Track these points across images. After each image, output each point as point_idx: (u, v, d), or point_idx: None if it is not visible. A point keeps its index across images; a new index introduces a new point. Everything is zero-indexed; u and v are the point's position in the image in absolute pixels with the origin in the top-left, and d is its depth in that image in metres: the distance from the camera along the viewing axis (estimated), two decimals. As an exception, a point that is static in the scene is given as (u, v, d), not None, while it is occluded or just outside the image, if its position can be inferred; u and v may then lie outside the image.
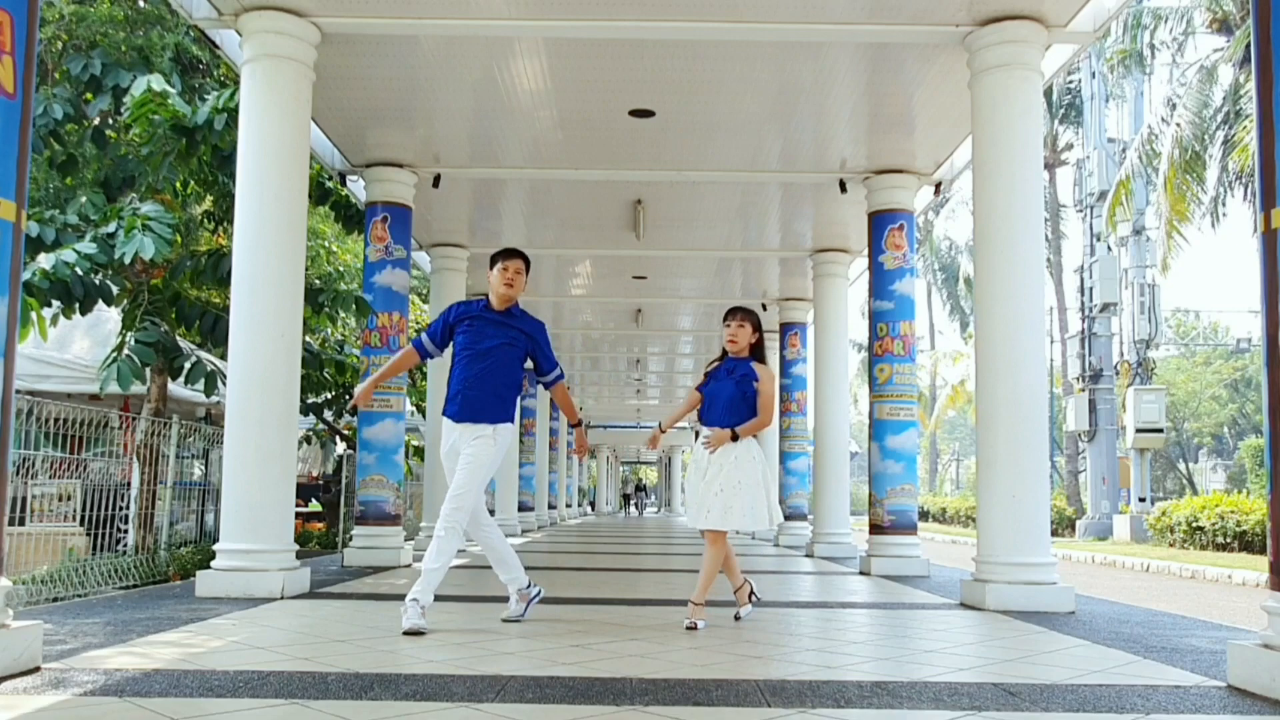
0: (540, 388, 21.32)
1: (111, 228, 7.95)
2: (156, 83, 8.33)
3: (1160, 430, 23.28)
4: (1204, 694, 3.69)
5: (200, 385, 8.88)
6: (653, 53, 7.61)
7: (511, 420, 5.23)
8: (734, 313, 5.52)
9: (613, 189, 10.79)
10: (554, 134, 9.21)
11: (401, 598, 5.44)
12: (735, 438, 5.31)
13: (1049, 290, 29.91)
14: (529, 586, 5.43)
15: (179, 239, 9.39)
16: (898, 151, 9.53)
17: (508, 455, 5.58)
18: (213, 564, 6.61)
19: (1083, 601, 6.70)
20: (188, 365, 8.81)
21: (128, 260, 7.73)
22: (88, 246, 7.77)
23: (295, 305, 6.94)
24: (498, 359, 5.17)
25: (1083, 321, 25.60)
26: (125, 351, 8.10)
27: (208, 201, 10.24)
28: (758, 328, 5.51)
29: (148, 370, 9.07)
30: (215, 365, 9.03)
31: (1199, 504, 18.94)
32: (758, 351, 5.49)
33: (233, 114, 8.27)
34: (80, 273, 8.11)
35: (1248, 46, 18.03)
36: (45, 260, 7.61)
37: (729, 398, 5.37)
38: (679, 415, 5.81)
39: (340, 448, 15.64)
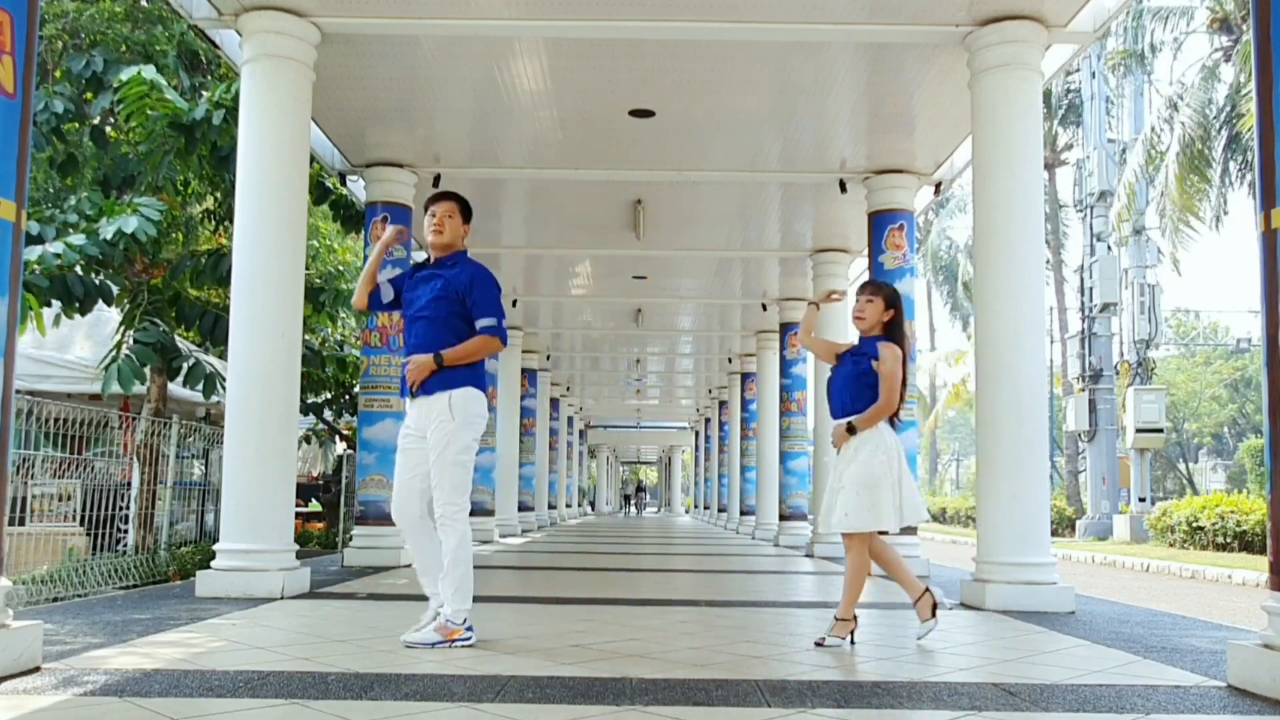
0: (538, 388, 21.54)
1: (103, 222, 7.96)
2: (148, 73, 8.32)
3: (1160, 430, 23.26)
4: (1204, 694, 3.69)
5: (200, 387, 8.88)
6: (653, 53, 7.61)
7: (470, 383, 4.53)
8: (863, 287, 5.00)
9: (613, 189, 10.78)
10: (554, 134, 9.21)
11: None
12: (852, 430, 4.75)
13: (1049, 290, 29.90)
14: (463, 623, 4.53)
15: (179, 237, 9.40)
16: (898, 151, 9.53)
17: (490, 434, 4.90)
18: (213, 564, 6.61)
19: (1083, 601, 6.70)
20: (186, 366, 8.81)
21: (109, 237, 7.67)
22: (78, 238, 7.76)
23: (295, 305, 6.94)
24: (431, 317, 4.56)
25: (1083, 321, 25.58)
26: (124, 352, 8.10)
27: (209, 201, 10.25)
28: (892, 303, 4.89)
29: (148, 370, 9.07)
30: (214, 366, 9.03)
31: (1199, 504, 18.94)
32: (893, 331, 4.86)
33: (231, 110, 8.27)
34: (79, 271, 8.11)
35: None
36: (32, 252, 7.58)
37: (844, 382, 4.87)
38: (812, 332, 5.19)
39: (340, 448, 15.65)
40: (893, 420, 4.84)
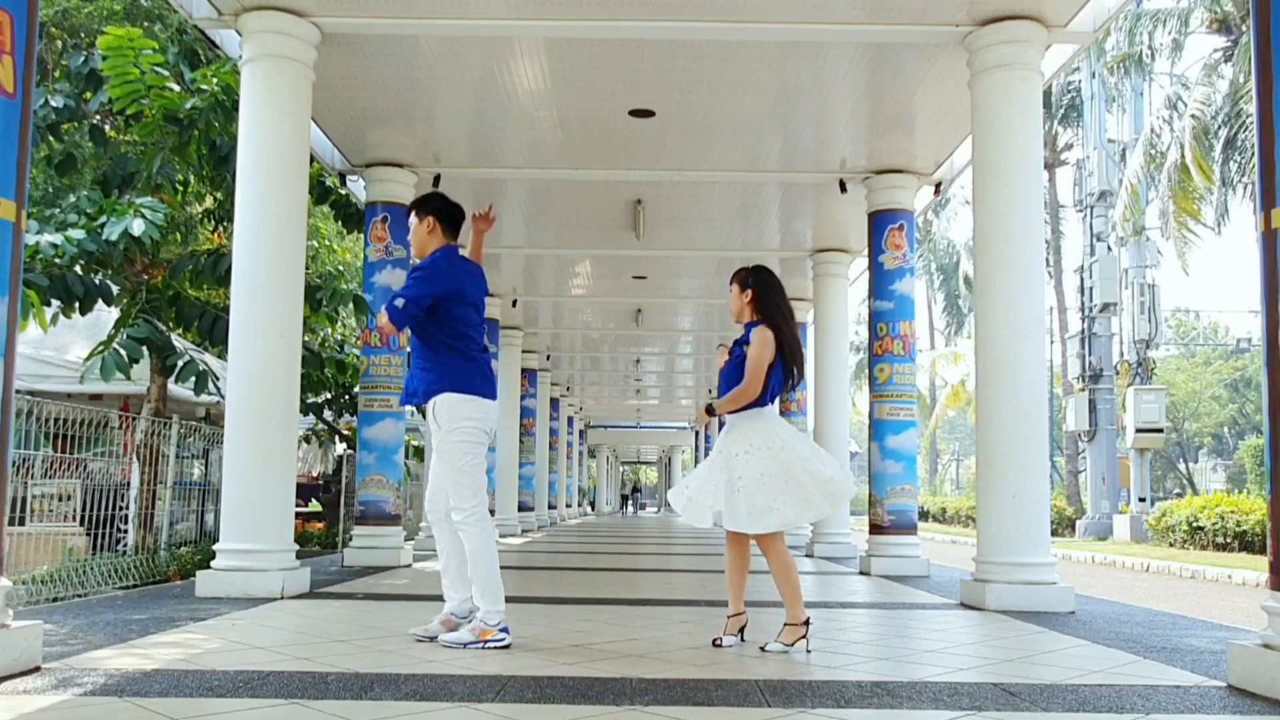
0: (538, 388, 21.54)
1: (103, 220, 7.94)
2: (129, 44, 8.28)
3: (1160, 430, 23.27)
4: (1204, 694, 3.69)
5: (192, 384, 8.86)
6: (653, 53, 7.61)
7: (448, 388, 4.54)
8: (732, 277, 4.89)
9: (613, 189, 10.78)
10: (554, 134, 9.21)
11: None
12: (711, 411, 4.69)
13: (1049, 290, 29.88)
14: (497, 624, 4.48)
15: (179, 237, 9.38)
16: (898, 151, 9.53)
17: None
18: (213, 564, 6.61)
19: (1083, 601, 6.70)
20: (181, 363, 8.80)
21: (114, 237, 7.65)
22: (77, 232, 7.74)
23: (295, 305, 6.94)
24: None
25: (1083, 321, 25.59)
26: (114, 346, 8.07)
27: (209, 200, 10.25)
28: (749, 285, 4.74)
29: (147, 370, 9.06)
30: (207, 365, 9.02)
31: (1199, 504, 18.93)
32: (761, 310, 4.67)
33: (221, 102, 8.24)
34: (79, 271, 8.10)
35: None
36: (28, 239, 7.55)
37: (729, 371, 4.72)
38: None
39: (340, 448, 15.65)
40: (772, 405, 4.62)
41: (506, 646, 4.41)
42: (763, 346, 4.58)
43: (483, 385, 4.61)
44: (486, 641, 4.42)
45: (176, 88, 8.48)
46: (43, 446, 7.56)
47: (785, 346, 4.63)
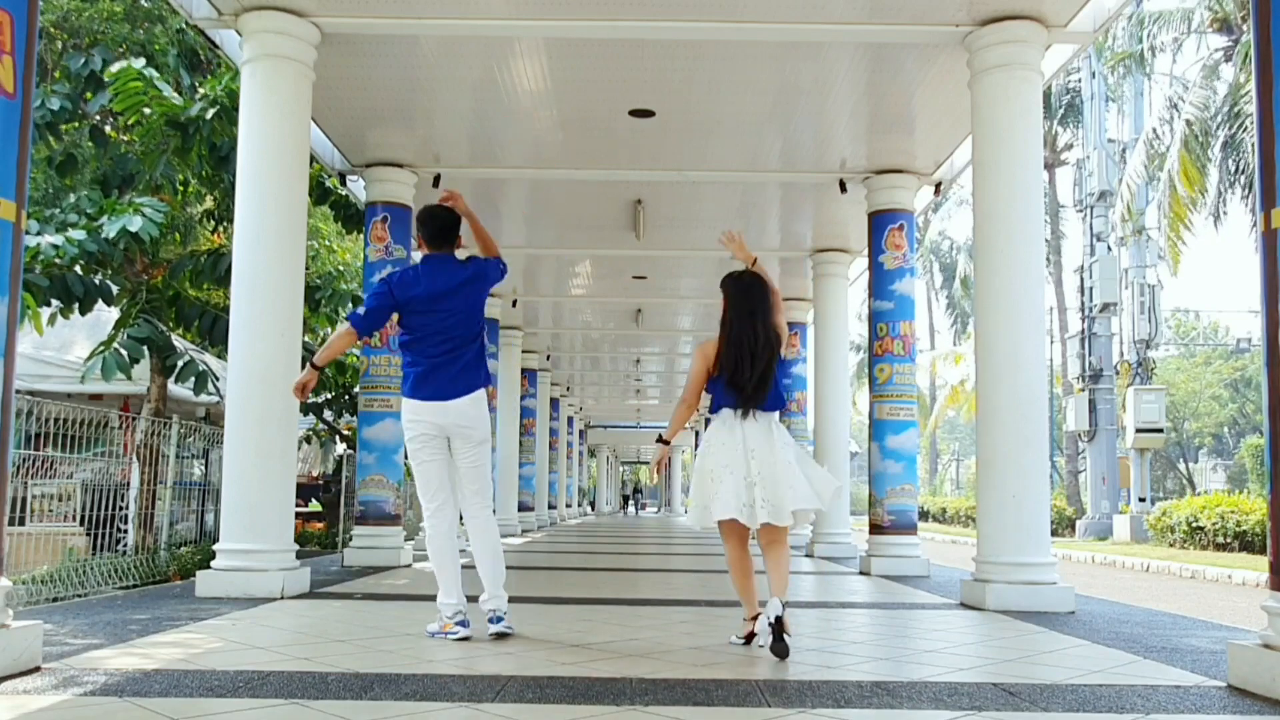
0: (538, 388, 21.55)
1: (103, 220, 7.95)
2: (137, 64, 8.32)
3: (1160, 430, 23.27)
4: (1204, 694, 3.69)
5: (192, 384, 8.87)
6: (653, 53, 7.61)
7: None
8: None
9: (613, 189, 10.78)
10: (554, 134, 9.21)
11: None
12: (663, 441, 5.11)
13: (1049, 290, 29.87)
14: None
15: (179, 237, 9.39)
16: (898, 151, 9.53)
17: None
18: (213, 564, 6.61)
19: (1083, 601, 6.70)
20: (180, 363, 8.80)
21: (112, 235, 7.66)
22: (77, 233, 7.75)
23: (295, 305, 6.94)
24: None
25: (1083, 321, 25.59)
26: (115, 345, 8.08)
27: (209, 201, 10.25)
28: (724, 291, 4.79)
29: (147, 370, 9.07)
30: (207, 365, 9.03)
31: (1199, 504, 18.92)
32: (722, 319, 4.72)
33: (225, 107, 8.26)
34: (79, 271, 8.10)
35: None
36: (29, 241, 7.56)
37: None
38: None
39: (340, 448, 15.65)
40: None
41: (460, 637, 4.65)
42: (695, 361, 4.67)
43: (416, 388, 4.73)
44: (447, 633, 4.69)
45: (179, 100, 8.51)
46: (29, 448, 7.55)
47: (730, 344, 4.55)
